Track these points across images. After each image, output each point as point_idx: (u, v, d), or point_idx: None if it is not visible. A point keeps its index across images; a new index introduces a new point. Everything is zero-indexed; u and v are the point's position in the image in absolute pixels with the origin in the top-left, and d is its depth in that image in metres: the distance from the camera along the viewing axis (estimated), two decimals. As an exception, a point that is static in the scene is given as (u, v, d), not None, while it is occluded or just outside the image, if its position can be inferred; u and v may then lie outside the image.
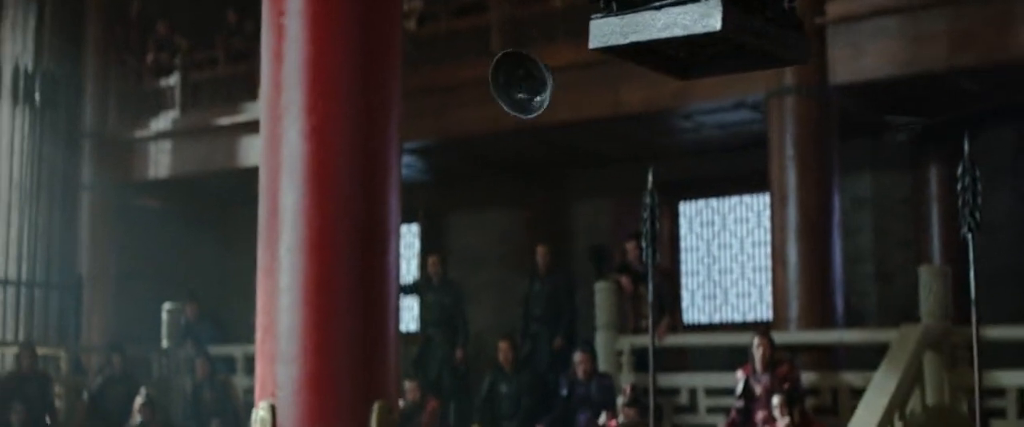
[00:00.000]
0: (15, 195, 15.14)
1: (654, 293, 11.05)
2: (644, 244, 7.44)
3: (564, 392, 10.54)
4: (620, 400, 9.53)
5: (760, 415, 9.40)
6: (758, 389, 9.47)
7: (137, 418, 11.88)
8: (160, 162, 15.40)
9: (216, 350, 13.54)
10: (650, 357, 7.54)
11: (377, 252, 6.33)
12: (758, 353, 9.47)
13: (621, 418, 9.38)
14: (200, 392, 12.91)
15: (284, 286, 6.23)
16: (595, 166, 14.76)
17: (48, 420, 12.15)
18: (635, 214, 14.10)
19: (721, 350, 12.11)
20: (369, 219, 6.28)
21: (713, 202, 14.51)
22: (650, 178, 7.47)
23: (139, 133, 15.45)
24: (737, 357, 11.96)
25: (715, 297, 14.38)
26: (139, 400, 11.98)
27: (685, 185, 14.19)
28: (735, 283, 14.28)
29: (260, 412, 6.21)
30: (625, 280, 11.23)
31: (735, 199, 14.35)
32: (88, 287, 15.14)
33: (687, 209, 14.65)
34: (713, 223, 14.52)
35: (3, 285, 14.81)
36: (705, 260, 14.44)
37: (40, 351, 13.33)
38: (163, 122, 15.25)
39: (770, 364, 9.45)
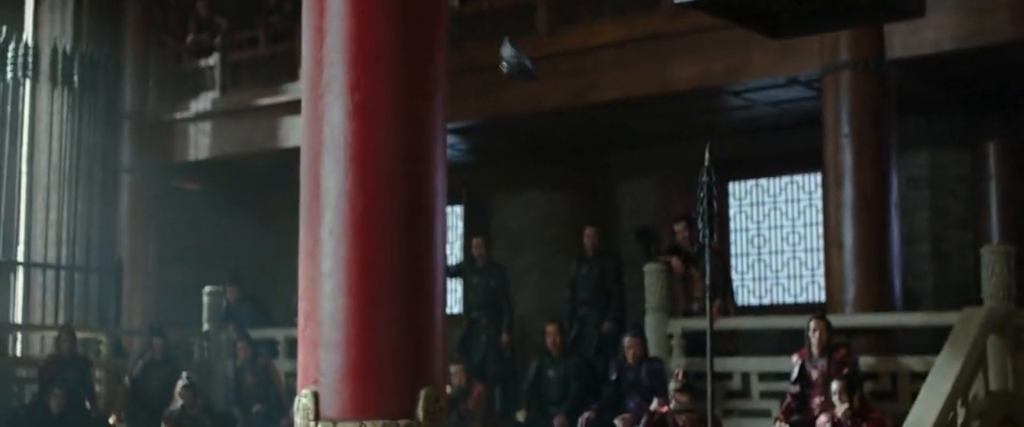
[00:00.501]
0: (54, 178, 15.00)
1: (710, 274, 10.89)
2: (701, 224, 7.16)
3: (613, 377, 10.30)
4: (672, 385, 9.28)
5: (817, 401, 9.14)
6: (814, 374, 9.21)
7: (178, 402, 11.77)
8: (200, 144, 15.25)
9: (257, 333, 13.38)
10: (708, 341, 7.31)
11: (423, 234, 6.07)
12: (815, 337, 9.20)
13: (673, 404, 9.13)
14: (242, 375, 12.76)
15: (326, 270, 5.98)
16: (641, 146, 14.53)
17: (88, 404, 12.03)
18: (682, 195, 14.01)
19: (771, 333, 11.85)
20: (414, 200, 6.02)
21: (763, 182, 14.27)
22: (707, 155, 7.23)
23: (179, 115, 15.32)
24: (787, 340, 11.68)
25: (765, 279, 14.11)
26: (180, 384, 11.87)
27: (735, 164, 13.81)
28: (786, 264, 13.99)
29: (303, 399, 5.98)
30: (676, 261, 10.97)
31: (786, 179, 14.08)
32: (128, 270, 15.14)
33: (737, 189, 14.40)
34: (763, 203, 14.28)
35: (43, 269, 14.69)
36: (755, 241, 14.21)
37: (80, 335, 13.23)
38: (203, 103, 15.11)
39: (827, 348, 9.18)
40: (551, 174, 15.33)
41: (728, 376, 10.40)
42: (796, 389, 9.29)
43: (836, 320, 9.57)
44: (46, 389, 11.49)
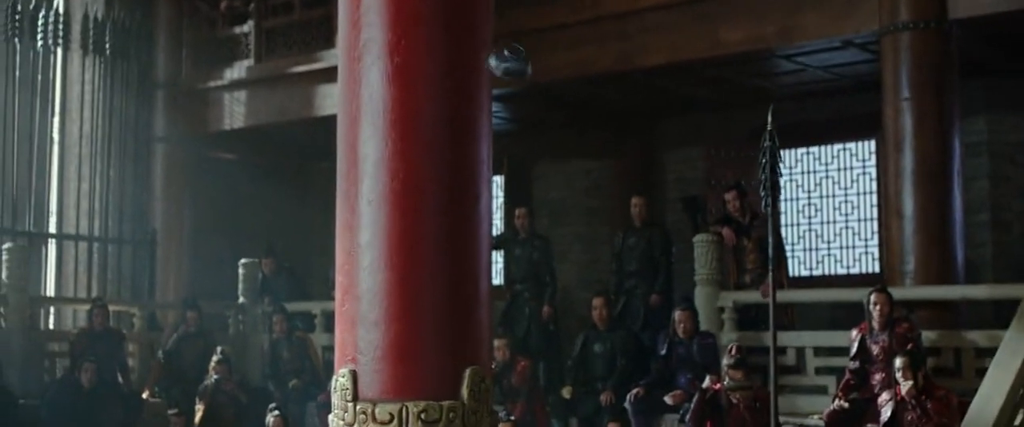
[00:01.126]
0: (86, 148, 14.80)
1: (761, 245, 10.54)
2: (762, 191, 6.80)
3: (662, 352, 9.99)
4: (725, 361, 8.93)
5: (878, 377, 8.79)
6: (875, 349, 8.86)
7: (213, 376, 11.59)
8: (235, 112, 14.99)
9: (294, 306, 13.16)
10: (771, 314, 6.97)
11: (467, 205, 5.74)
12: (876, 310, 8.84)
13: (727, 380, 8.79)
14: (277, 349, 12.56)
15: (365, 242, 5.66)
16: (688, 113, 14.22)
17: (120, 378, 11.81)
18: (730, 163, 13.74)
19: (822, 306, 11.51)
20: (458, 168, 5.69)
21: (814, 149, 13.88)
22: (769, 118, 6.84)
23: (213, 83, 15.06)
24: (839, 314, 11.39)
25: (816, 250, 13.72)
26: (215, 358, 11.70)
27: (784, 131, 12.83)
28: (838, 235, 13.62)
29: (341, 379, 5.68)
30: (727, 231, 10.63)
31: (838, 146, 13.70)
32: (162, 242, 15.03)
33: (787, 157, 13.82)
34: (815, 171, 13.90)
35: (75, 241, 14.50)
36: (806, 211, 13.83)
37: (113, 308, 13.05)
38: (237, 71, 14.83)
39: (889, 322, 8.82)
40: (594, 142, 15.05)
41: (782, 351, 10.05)
42: (855, 365, 8.94)
43: (896, 293, 9.20)
44: (77, 363, 11.28)
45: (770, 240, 6.99)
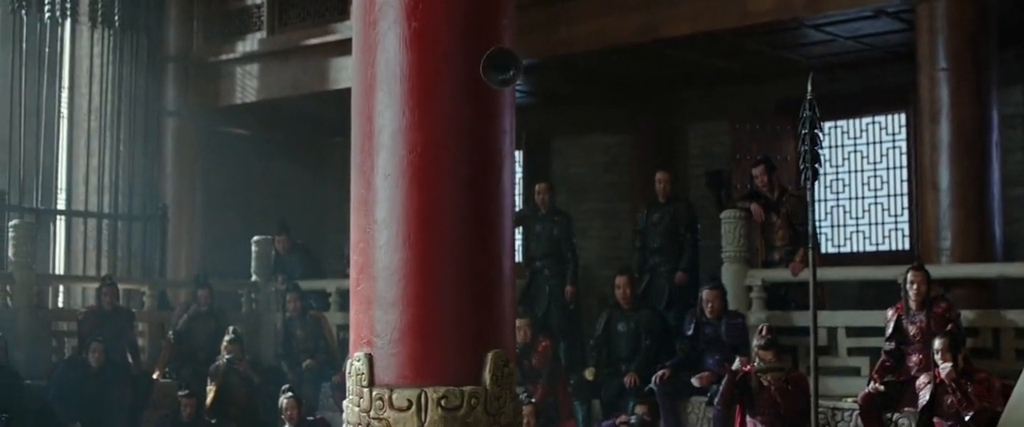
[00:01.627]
0: (96, 123, 14.50)
1: (790, 222, 10.23)
2: (802, 164, 6.48)
3: (689, 332, 9.68)
4: (755, 342, 8.61)
5: (915, 359, 8.48)
6: (912, 329, 8.55)
7: (224, 356, 11.35)
8: (247, 86, 14.71)
9: (308, 284, 12.90)
10: (811, 293, 6.67)
11: (490, 178, 5.46)
12: (912, 289, 8.52)
13: (757, 362, 8.47)
14: (291, 329, 12.31)
15: (381, 219, 5.38)
16: (712, 86, 13.90)
17: (130, 358, 11.56)
18: (755, 137, 13.41)
19: (850, 284, 11.19)
20: (480, 139, 5.41)
21: (842, 123, 13.50)
22: (809, 86, 6.51)
23: (225, 56, 14.76)
24: (869, 292, 11.07)
25: (844, 226, 13.39)
26: (226, 337, 11.45)
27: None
28: (867, 211, 13.28)
29: (356, 363, 5.41)
30: (755, 207, 10.29)
31: (867, 119, 13.32)
32: (173, 219, 14.73)
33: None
34: (842, 145, 13.54)
35: (83, 217, 14.23)
36: (834, 186, 13.47)
37: (123, 286, 12.82)
38: (250, 44, 14.53)
39: (926, 302, 8.49)
40: (615, 116, 14.72)
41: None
42: (891, 346, 8.63)
43: (932, 271, 8.86)
44: (85, 343, 11.01)
45: (809, 215, 6.66)
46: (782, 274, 10.06)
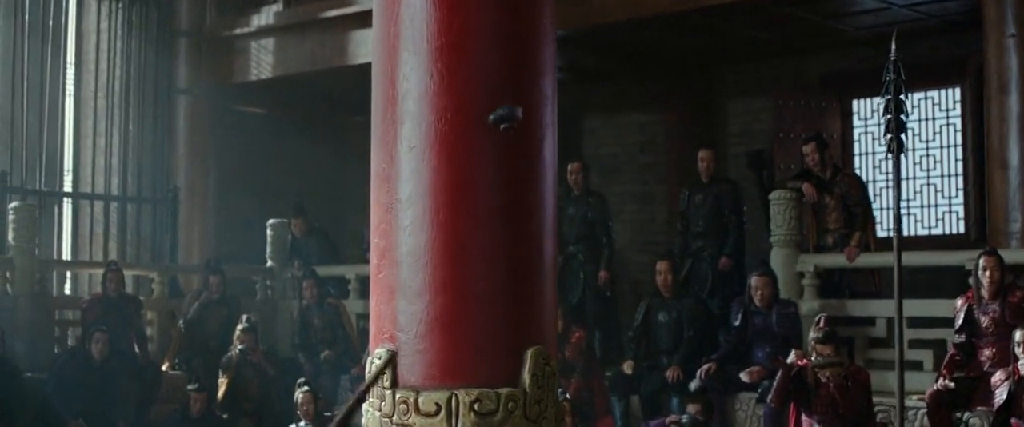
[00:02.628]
0: (104, 101, 14.01)
1: (844, 203, 9.59)
2: (885, 135, 5.80)
3: (737, 322, 9.03)
4: (812, 334, 7.96)
5: (988, 352, 7.85)
6: (985, 321, 7.91)
7: (237, 347, 10.84)
8: (262, 62, 14.23)
9: (325, 270, 12.38)
10: (896, 278, 5.99)
11: (530, 149, 4.85)
12: (985, 276, 7.88)
13: (814, 357, 7.81)
14: (308, 318, 11.80)
15: (406, 197, 4.77)
16: (752, 59, 13.26)
17: (137, 349, 11.01)
18: (799, 114, 12.78)
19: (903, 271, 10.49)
20: (518, 105, 4.76)
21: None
22: (893, 46, 5.84)
23: (239, 30, 14.24)
24: (923, 278, 10.44)
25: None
26: (239, 327, 10.91)
27: (859, 79, 12.52)
28: (919, 192, 12.60)
29: (377, 361, 4.80)
30: (808, 187, 9.65)
31: (919, 94, 12.60)
32: (185, 202, 14.28)
33: (862, 107, 12.97)
34: None
35: (90, 200, 13.73)
36: (882, 166, 12.76)
37: (132, 272, 12.46)
38: (265, 17, 14.01)
39: (1000, 290, 7.84)
40: (649, 93, 14.11)
41: (870, 322, 9.11)
42: (961, 339, 7.99)
43: (1003, 256, 8.19)
44: (89, 333, 10.44)
45: (894, 193, 6.00)
46: (836, 259, 9.43)
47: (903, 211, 12.44)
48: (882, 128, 12.53)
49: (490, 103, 4.70)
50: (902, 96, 6.12)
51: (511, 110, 4.63)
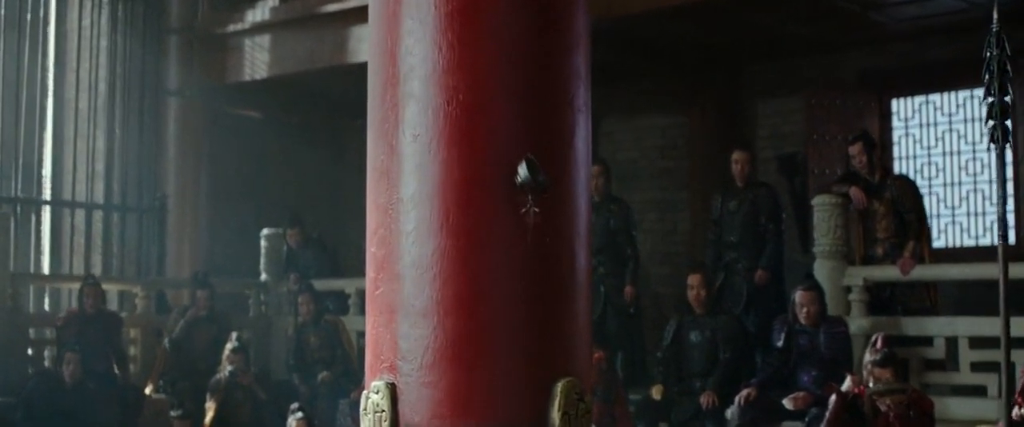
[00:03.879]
0: (88, 102, 13.41)
1: (896, 209, 8.80)
2: (989, 121, 4.96)
3: (779, 343, 8.20)
4: (867, 357, 7.13)
5: (1067, 377, 6.98)
6: (1063, 341, 7.05)
7: (226, 368, 10.11)
8: (257, 61, 13.68)
9: (323, 284, 11.67)
10: (1001, 293, 5.13)
11: (559, 139, 4.07)
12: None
13: (872, 383, 6.98)
14: (303, 336, 11.12)
15: (408, 196, 4.00)
16: (783, 56, 12.63)
17: (117, 370, 10.25)
18: (834, 114, 12.07)
19: (947, 285, 9.75)
20: (545, 84, 4.01)
21: (934, 98, 12.11)
22: (995, 13, 4.99)
23: (233, 26, 13.73)
24: (973, 293, 9.67)
25: (938, 216, 11.96)
26: (229, 346, 10.23)
27: (899, 77, 12.03)
28: (964, 199, 11.85)
29: (374, 395, 4.04)
30: (856, 192, 8.84)
31: (964, 93, 11.96)
32: (174, 210, 13.62)
33: (901, 107, 12.27)
34: (935, 124, 12.12)
35: (71, 208, 13.06)
36: (925, 171, 12.08)
37: (114, 287, 11.88)
38: (260, 12, 13.52)
39: (1081, 308, 7.00)
40: (670, 92, 13.51)
41: (927, 341, 8.31)
42: (1036, 362, 7.14)
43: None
44: (62, 353, 9.66)
45: (999, 192, 5.11)
46: (889, 272, 8.61)
47: (948, 219, 11.82)
48: (921, 131, 12.04)
49: (510, 83, 3.92)
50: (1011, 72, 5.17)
51: (532, 173, 3.91)
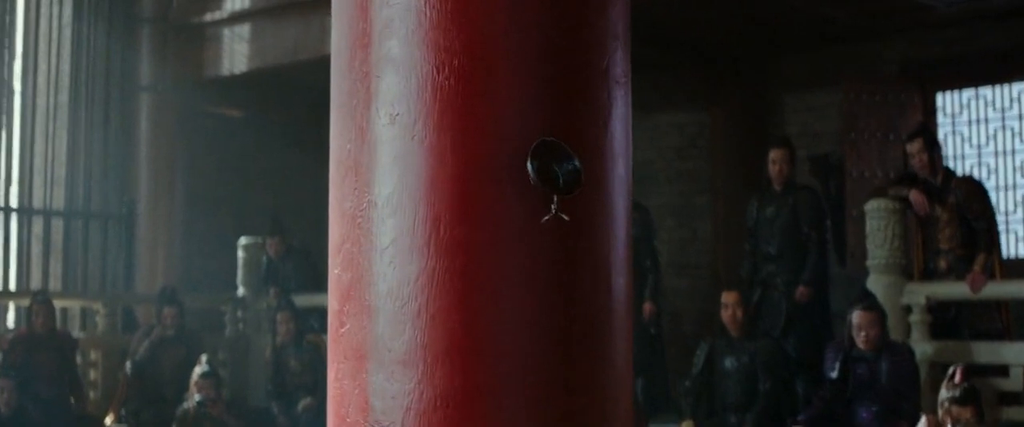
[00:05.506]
0: (52, 99, 12.63)
1: (961, 215, 7.82)
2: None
3: (833, 373, 7.14)
4: (944, 393, 6.06)
5: None
6: None
7: (195, 396, 9.09)
8: (236, 53, 13.01)
9: (306, 300, 10.71)
10: None
11: (588, 119, 3.07)
12: None
13: (950, 424, 5.93)
14: (283, 358, 10.20)
15: (384, 199, 3.05)
16: (816, 46, 11.94)
17: (72, 398, 9.29)
18: (874, 110, 11.21)
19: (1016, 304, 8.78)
20: (571, 47, 3.03)
21: (985, 91, 11.29)
22: None
23: (210, 15, 13.08)
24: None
25: (993, 224, 11.03)
26: (198, 370, 9.18)
27: (945, 68, 11.27)
28: (1020, 204, 10.95)
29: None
30: (917, 195, 7.82)
31: (1020, 86, 11.09)
32: (146, 217, 12.96)
33: (948, 102, 11.46)
34: (986, 120, 11.30)
35: (28, 215, 12.22)
36: (974, 172, 11.14)
37: (74, 303, 11.04)
38: (239, 0, 12.86)
39: None
40: (690, 87, 12.86)
41: (1002, 370, 7.32)
42: None
43: None
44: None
45: None
46: (956, 289, 7.60)
47: (1001, 226, 10.84)
48: (971, 127, 11.17)
49: (522, 43, 2.93)
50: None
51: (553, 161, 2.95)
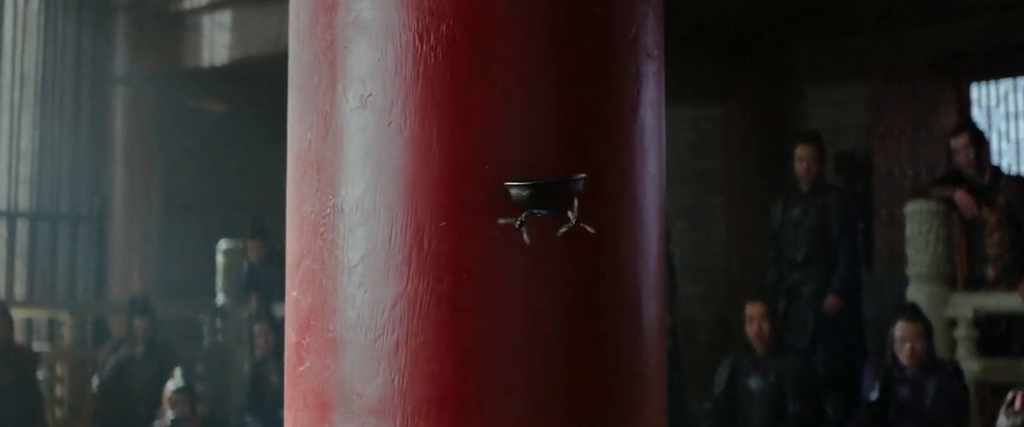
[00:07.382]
0: (19, 93, 12.29)
1: (1012, 217, 7.32)
2: None
3: (874, 395, 6.59)
4: (1003, 420, 5.51)
5: None
6: None
7: (168, 413, 8.65)
8: (217, 43, 12.72)
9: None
10: None
11: (612, 103, 2.50)
12: None
13: (1010, 457, 5.40)
14: (263, 372, 9.78)
15: (352, 202, 2.52)
16: (840, 34, 11.57)
17: (31, 418, 8.90)
18: (903, 104, 10.92)
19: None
20: (585, 9, 2.44)
21: (1022, 82, 11.05)
22: None
23: (189, 3, 12.75)
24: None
25: (1031, 223, 10.69)
26: (171, 385, 8.71)
27: (978, 59, 10.95)
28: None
29: None
30: (963, 195, 7.32)
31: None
32: (120, 219, 12.61)
33: (982, 94, 11.16)
34: (1021, 114, 11.07)
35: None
36: (1012, 169, 10.81)
37: (37, 313, 10.66)
38: None
39: None
40: (703, 79, 12.43)
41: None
42: None
43: None
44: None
45: None
46: (1008, 301, 7.10)
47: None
48: (1008, 122, 10.81)
49: (527, 5, 2.39)
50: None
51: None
